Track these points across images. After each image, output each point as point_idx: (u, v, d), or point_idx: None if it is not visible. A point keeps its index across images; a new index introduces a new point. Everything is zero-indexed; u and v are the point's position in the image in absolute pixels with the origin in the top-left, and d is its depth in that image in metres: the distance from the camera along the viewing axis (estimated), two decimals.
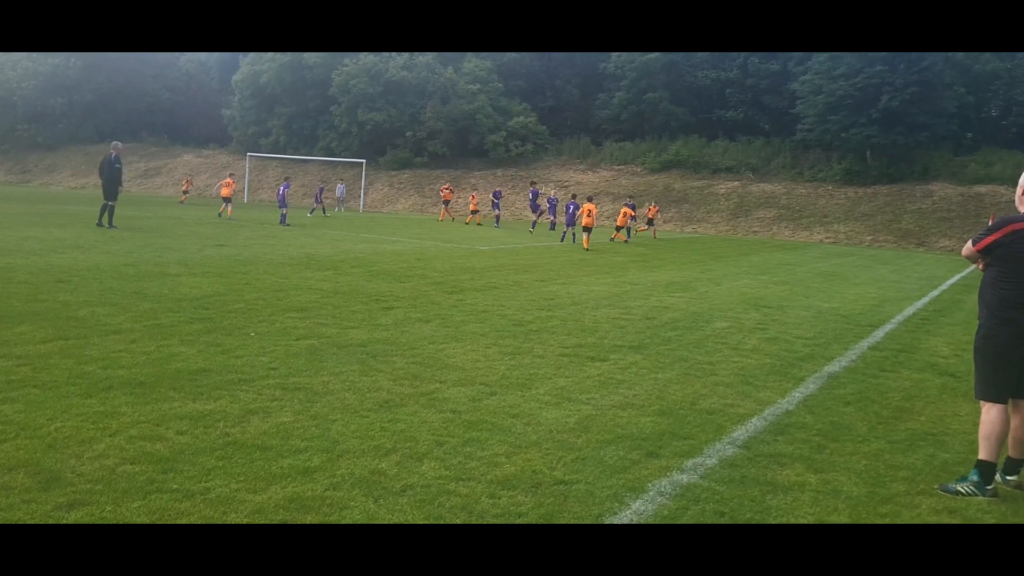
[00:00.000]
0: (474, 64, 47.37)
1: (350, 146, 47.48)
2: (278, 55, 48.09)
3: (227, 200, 27.46)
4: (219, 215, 26.91)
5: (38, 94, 55.52)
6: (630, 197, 31.68)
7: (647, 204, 31.75)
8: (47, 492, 3.82)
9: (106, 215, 18.98)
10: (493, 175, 45.76)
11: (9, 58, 56.53)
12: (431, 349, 7.58)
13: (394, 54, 46.50)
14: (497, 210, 33.33)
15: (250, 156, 46.93)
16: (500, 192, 34.83)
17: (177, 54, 61.90)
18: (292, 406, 5.45)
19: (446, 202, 34.74)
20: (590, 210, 21.99)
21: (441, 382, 6.37)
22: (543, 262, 17.27)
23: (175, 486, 3.98)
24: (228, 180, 28.63)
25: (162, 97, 58.69)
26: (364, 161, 44.68)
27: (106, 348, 6.74)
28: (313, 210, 34.13)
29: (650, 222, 29.79)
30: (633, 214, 27.43)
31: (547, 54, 49.51)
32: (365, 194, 44.17)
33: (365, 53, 46.17)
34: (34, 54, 55.45)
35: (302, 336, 7.78)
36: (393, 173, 47.12)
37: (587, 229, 21.81)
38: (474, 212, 32.88)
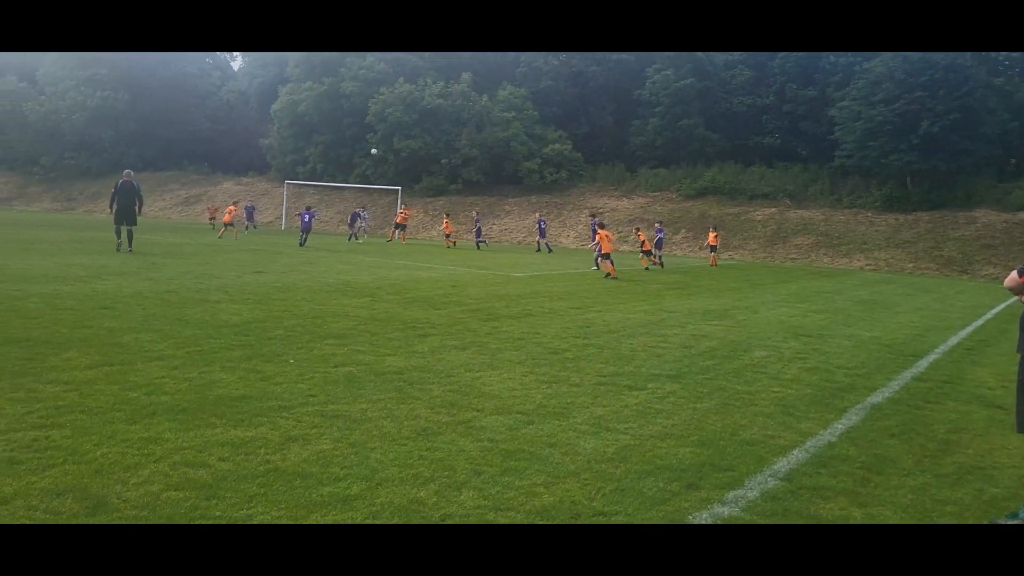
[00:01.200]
0: (508, 91, 47.76)
1: (386, 173, 48.02)
2: (316, 84, 48.89)
3: (228, 225, 31.04)
4: (232, 237, 29.70)
5: (86, 125, 57.02)
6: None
7: (708, 231, 31.80)
8: (94, 518, 3.88)
9: (128, 238, 19.83)
10: (527, 201, 45.96)
11: (57, 88, 58.16)
12: (468, 377, 7.59)
13: (429, 82, 47.06)
14: (479, 236, 34.95)
15: (287, 184, 47.62)
16: (479, 218, 37.11)
17: (219, 84, 63.25)
18: (331, 433, 5.49)
19: (401, 226, 35.09)
20: (608, 236, 21.69)
21: (478, 410, 6.37)
22: (578, 289, 17.25)
23: (218, 513, 4.03)
24: (231, 208, 32.60)
25: (203, 127, 60.03)
26: (400, 188, 45.12)
27: (150, 374, 6.85)
28: (352, 238, 35.10)
29: (712, 248, 29.68)
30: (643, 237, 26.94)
31: (582, 80, 49.82)
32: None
33: (402, 81, 46.79)
34: (83, 86, 56.99)
35: (340, 363, 7.83)
36: (428, 200, 47.52)
37: (607, 256, 21.28)
38: (448, 236, 34.17)
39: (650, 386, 7.69)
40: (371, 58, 48.90)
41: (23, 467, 4.48)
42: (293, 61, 52.00)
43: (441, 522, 4.10)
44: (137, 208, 20.04)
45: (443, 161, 47.16)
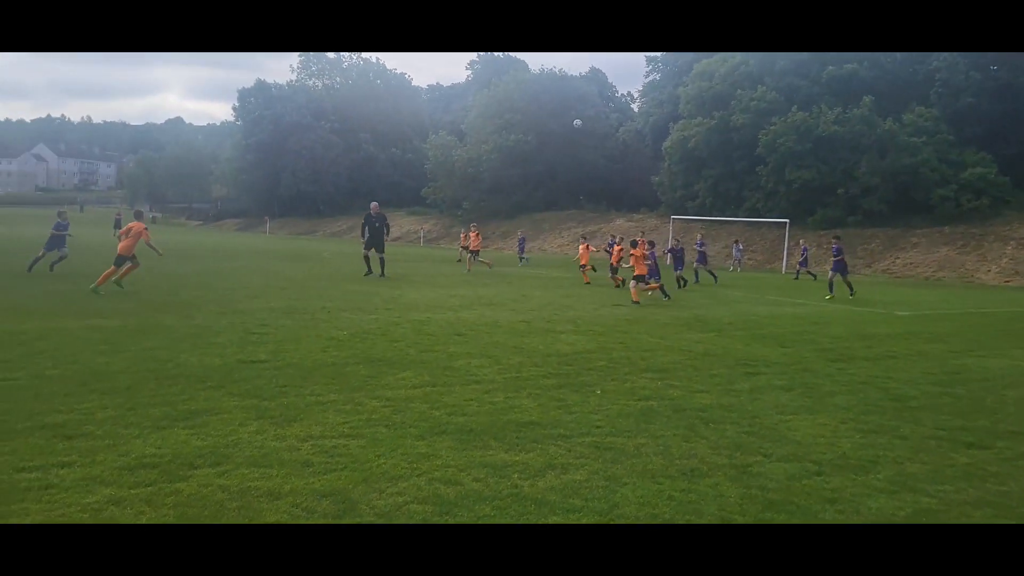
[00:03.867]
0: (917, 113, 43.56)
1: (777, 205, 46.43)
2: (706, 119, 49.15)
3: (474, 253, 28.57)
4: (469, 268, 27.64)
5: (499, 166, 63.59)
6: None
7: None
8: (337, 520, 4.30)
9: (377, 265, 21.79)
10: (939, 233, 41.27)
11: (479, 134, 65.59)
12: (774, 419, 7.04)
13: (824, 108, 44.72)
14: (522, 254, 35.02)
15: (673, 219, 48.33)
16: (524, 239, 36.87)
17: (616, 125, 66.56)
18: (592, 465, 5.45)
19: (474, 252, 29.38)
20: (633, 254, 18.49)
21: (765, 455, 5.88)
22: (961, 330, 15.04)
23: None
24: (474, 234, 29.37)
25: (600, 166, 63.64)
26: (788, 221, 43.35)
27: (462, 396, 7.40)
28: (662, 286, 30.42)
29: None
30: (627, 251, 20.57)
31: (1011, 95, 43.68)
32: (788, 255, 42.69)
33: (795, 110, 45.12)
34: (503, 130, 63.63)
35: (645, 397, 7.74)
36: (822, 233, 44.94)
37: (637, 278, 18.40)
38: (583, 267, 25.95)
39: (999, 444, 6.46)
40: (762, 88, 47.90)
41: (311, 469, 5.12)
42: (685, 97, 52.84)
43: None
44: (385, 235, 22.14)
45: (839, 191, 44.35)
